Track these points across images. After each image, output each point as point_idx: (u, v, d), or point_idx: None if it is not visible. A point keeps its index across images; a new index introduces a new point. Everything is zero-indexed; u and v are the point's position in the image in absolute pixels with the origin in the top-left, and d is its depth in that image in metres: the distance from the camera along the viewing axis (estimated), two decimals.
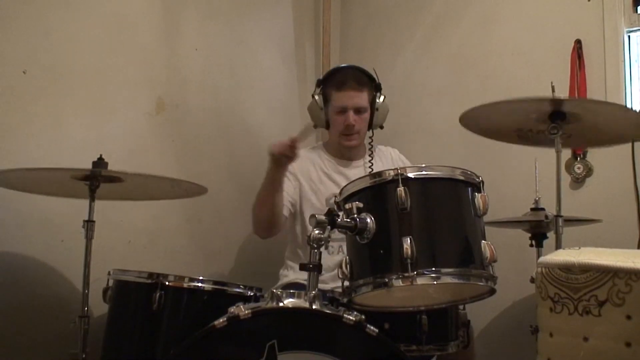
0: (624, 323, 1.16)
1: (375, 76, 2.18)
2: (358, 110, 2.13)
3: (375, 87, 2.17)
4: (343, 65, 2.27)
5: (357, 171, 2.20)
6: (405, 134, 2.86)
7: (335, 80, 2.16)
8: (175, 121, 2.33)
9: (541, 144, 1.83)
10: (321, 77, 2.25)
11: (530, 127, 1.84)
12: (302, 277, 2.10)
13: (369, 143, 2.24)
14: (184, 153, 2.35)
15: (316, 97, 2.17)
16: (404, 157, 2.36)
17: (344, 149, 2.24)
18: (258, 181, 2.26)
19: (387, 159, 2.30)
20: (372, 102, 2.16)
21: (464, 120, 1.88)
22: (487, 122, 1.89)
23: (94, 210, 1.64)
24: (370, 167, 2.17)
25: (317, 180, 2.21)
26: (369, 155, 2.20)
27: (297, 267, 2.15)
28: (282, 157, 1.94)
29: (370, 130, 2.22)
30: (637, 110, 2.00)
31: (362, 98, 2.13)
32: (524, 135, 1.91)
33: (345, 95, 2.11)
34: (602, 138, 1.93)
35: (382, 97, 2.18)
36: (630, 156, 2.34)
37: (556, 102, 1.66)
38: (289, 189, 2.16)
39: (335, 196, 1.51)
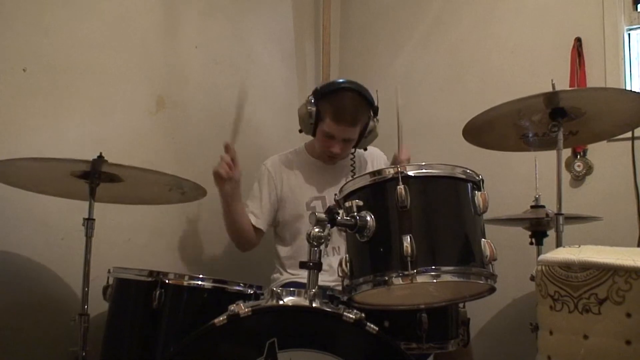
0: (624, 321, 1.16)
1: (376, 98, 2.09)
2: (345, 140, 2.08)
3: (372, 111, 2.08)
4: (345, 85, 2.06)
5: (341, 175, 2.19)
6: (404, 132, 2.86)
7: (334, 105, 2.03)
8: (175, 119, 2.33)
9: (549, 147, 1.83)
10: (319, 87, 2.12)
11: (535, 130, 1.84)
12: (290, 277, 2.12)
13: (351, 156, 2.18)
14: (183, 151, 2.35)
15: (309, 107, 2.07)
16: (385, 157, 2.33)
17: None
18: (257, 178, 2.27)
19: (369, 160, 2.28)
20: (363, 129, 2.08)
21: (467, 135, 1.89)
22: (490, 132, 1.90)
23: (93, 209, 1.64)
24: (352, 170, 2.14)
25: (295, 185, 2.20)
26: (352, 168, 2.15)
27: (283, 269, 2.17)
28: (218, 178, 2.03)
29: (353, 148, 2.16)
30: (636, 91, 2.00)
31: (353, 132, 2.06)
32: (530, 141, 1.91)
33: (338, 128, 2.04)
34: (605, 130, 1.92)
35: (375, 122, 2.08)
36: (630, 154, 2.34)
37: (554, 97, 1.66)
38: (264, 204, 2.19)
39: (336, 194, 1.51)
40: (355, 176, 1.47)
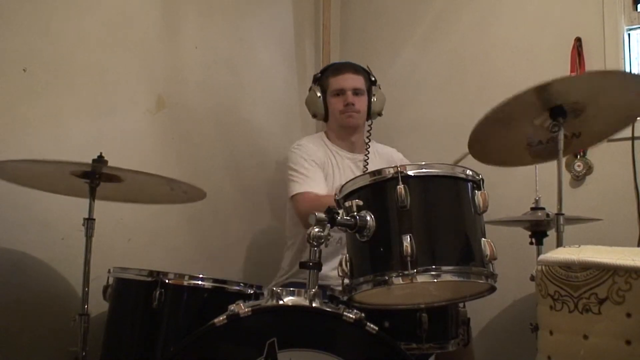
0: (624, 321, 1.16)
1: (370, 72, 2.24)
2: (356, 92, 2.18)
3: (370, 81, 2.23)
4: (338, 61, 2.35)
5: (361, 165, 2.21)
6: (404, 131, 2.87)
7: (332, 69, 2.26)
8: (175, 119, 2.33)
9: (555, 156, 1.81)
10: (318, 73, 2.31)
11: (539, 136, 1.83)
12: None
13: (367, 137, 2.23)
14: (183, 151, 2.35)
15: (313, 88, 2.24)
16: (402, 157, 2.35)
17: (344, 133, 2.24)
18: (257, 178, 2.26)
19: (385, 156, 2.30)
20: (369, 89, 2.22)
21: (474, 151, 1.86)
22: (495, 143, 1.88)
23: (94, 208, 1.64)
24: (365, 163, 2.16)
25: (330, 170, 2.20)
26: (366, 150, 2.20)
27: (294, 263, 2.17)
28: None
29: (370, 120, 2.25)
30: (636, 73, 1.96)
31: (358, 80, 2.20)
32: (535, 151, 1.90)
33: (342, 78, 2.19)
34: (606, 126, 1.88)
35: (377, 87, 2.25)
36: (630, 154, 2.34)
37: (547, 89, 1.64)
38: (318, 175, 2.16)
39: (336, 194, 1.51)
40: (355, 176, 1.47)
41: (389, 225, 1.36)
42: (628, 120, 1.98)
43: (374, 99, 2.21)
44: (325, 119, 2.25)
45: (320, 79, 2.25)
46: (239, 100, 2.64)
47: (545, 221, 1.99)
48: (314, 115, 2.28)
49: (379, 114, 2.26)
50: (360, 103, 2.19)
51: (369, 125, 2.26)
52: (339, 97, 2.18)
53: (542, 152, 1.89)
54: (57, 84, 1.95)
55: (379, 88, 2.25)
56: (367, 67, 2.25)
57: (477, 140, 1.81)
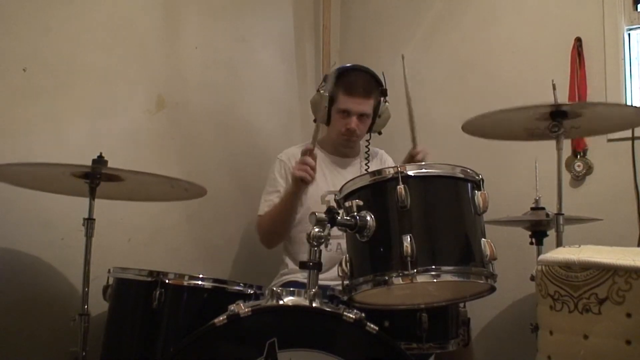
0: (624, 321, 1.16)
1: (383, 81, 2.16)
2: (361, 116, 2.13)
3: (381, 92, 2.16)
4: (354, 65, 2.20)
5: (353, 169, 2.21)
6: (405, 132, 2.86)
7: (344, 82, 2.12)
8: (175, 119, 2.33)
9: (548, 137, 1.82)
10: (330, 72, 2.21)
11: (537, 126, 1.84)
12: (299, 274, 2.11)
13: (366, 146, 2.23)
14: (183, 151, 2.34)
15: (322, 92, 2.13)
16: (390, 158, 2.36)
17: (340, 147, 2.24)
18: (258, 179, 2.26)
19: (378, 159, 2.31)
20: (376, 108, 2.16)
21: (467, 129, 1.88)
22: (491, 128, 1.89)
23: (94, 208, 1.63)
24: (366, 169, 2.16)
25: (316, 177, 2.20)
26: (366, 159, 2.19)
27: (291, 262, 2.17)
28: (300, 179, 1.95)
29: (369, 134, 2.22)
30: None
31: (367, 105, 2.12)
32: (530, 132, 1.91)
33: (352, 100, 2.11)
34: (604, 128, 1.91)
35: (386, 104, 2.17)
36: (630, 154, 2.34)
37: (555, 106, 1.67)
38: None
39: (336, 194, 1.51)
40: (355, 177, 1.47)
41: (389, 226, 1.36)
42: (627, 126, 2.00)
43: (378, 120, 2.17)
44: (327, 123, 2.22)
45: (331, 84, 2.12)
46: (239, 100, 2.64)
47: (545, 221, 1.99)
48: (315, 120, 2.24)
49: (379, 133, 2.22)
50: (362, 128, 2.16)
51: (367, 141, 2.23)
52: (344, 116, 2.13)
53: (539, 132, 1.90)
54: (57, 84, 1.94)
55: (387, 103, 2.17)
56: (383, 74, 2.17)
57: (472, 124, 1.84)
